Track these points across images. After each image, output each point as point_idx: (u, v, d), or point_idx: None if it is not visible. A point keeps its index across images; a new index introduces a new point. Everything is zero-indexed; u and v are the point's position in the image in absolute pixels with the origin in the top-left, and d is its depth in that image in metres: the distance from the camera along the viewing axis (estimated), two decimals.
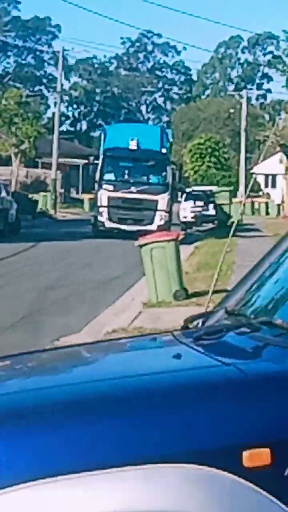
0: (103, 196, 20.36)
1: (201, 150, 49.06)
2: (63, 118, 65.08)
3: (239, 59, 79.56)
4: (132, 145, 20.76)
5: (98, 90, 77.32)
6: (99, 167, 20.99)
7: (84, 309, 9.41)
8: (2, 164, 39.92)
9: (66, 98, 68.15)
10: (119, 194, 20.17)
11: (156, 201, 20.05)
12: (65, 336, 7.58)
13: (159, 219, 19.96)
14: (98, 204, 20.60)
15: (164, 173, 20.83)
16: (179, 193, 31.98)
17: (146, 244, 9.59)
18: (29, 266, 13.99)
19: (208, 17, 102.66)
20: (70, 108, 76.69)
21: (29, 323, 8.45)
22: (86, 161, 37.05)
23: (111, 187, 20.38)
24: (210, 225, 24.03)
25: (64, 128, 63.25)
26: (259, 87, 77.47)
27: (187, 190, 32.30)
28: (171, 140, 24.30)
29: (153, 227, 18.84)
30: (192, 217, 28.40)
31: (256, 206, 43.08)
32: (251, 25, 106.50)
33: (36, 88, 69.62)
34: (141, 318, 8.43)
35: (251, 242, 19.92)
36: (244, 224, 29.25)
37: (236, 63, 79.55)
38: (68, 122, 74.88)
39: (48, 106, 66.71)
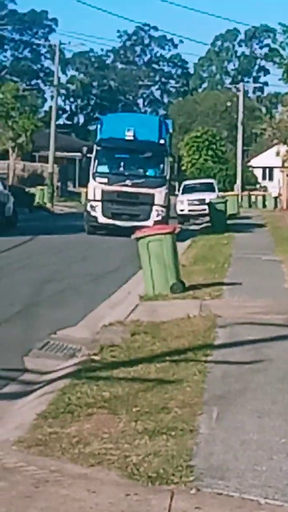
0: (97, 189, 19.03)
1: (198, 143, 49.01)
2: (60, 112, 64.97)
3: (236, 52, 79.44)
4: (129, 135, 19.50)
5: (95, 84, 77.17)
6: (92, 159, 19.74)
7: (80, 303, 9.44)
8: None
9: (63, 91, 67.99)
10: (113, 188, 18.83)
11: (153, 195, 18.80)
12: (62, 329, 7.62)
13: (155, 214, 18.74)
14: (91, 198, 19.29)
15: (161, 166, 19.49)
16: (176, 186, 31.88)
17: (143, 237, 9.62)
18: (26, 260, 14.01)
19: (205, 10, 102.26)
20: (67, 102, 76.56)
21: (26, 317, 8.48)
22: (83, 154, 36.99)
23: (105, 180, 18.99)
24: (207, 218, 23.94)
25: (61, 121, 63.12)
26: (256, 80, 77.34)
27: (185, 182, 32.28)
28: (171, 130, 23.00)
29: (150, 222, 17.76)
30: (189, 210, 28.41)
31: (253, 199, 43.10)
32: (248, 18, 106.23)
33: (33, 82, 69.38)
34: (138, 311, 8.47)
35: (247, 235, 19.98)
36: (241, 217, 29.32)
37: (233, 56, 79.42)
38: (65, 115, 74.68)
39: (45, 100, 66.62)
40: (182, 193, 29.82)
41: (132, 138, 19.47)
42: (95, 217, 18.96)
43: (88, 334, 7.34)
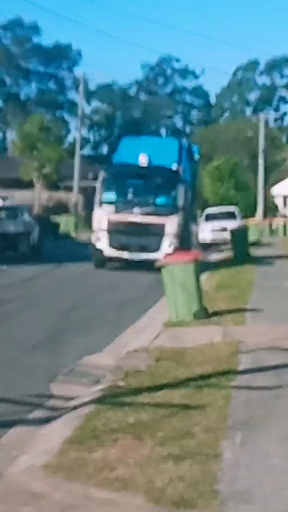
0: (103, 218, 17.34)
1: (220, 171, 49.26)
2: (84, 142, 65.76)
3: (256, 82, 79.99)
4: (142, 161, 17.93)
5: (118, 114, 78.12)
6: (98, 185, 18.06)
7: (105, 330, 9.52)
8: (25, 187, 40.44)
9: (87, 122, 68.93)
10: (120, 217, 17.14)
11: (163, 225, 17.04)
12: (87, 356, 7.70)
13: (167, 245, 16.89)
14: (96, 228, 17.56)
15: (173, 193, 17.59)
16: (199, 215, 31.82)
17: (166, 264, 9.72)
18: (52, 288, 14.16)
19: (226, 40, 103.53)
20: (91, 132, 77.52)
21: (52, 343, 8.58)
22: None
23: (111, 208, 17.32)
24: (229, 246, 23.97)
25: (85, 152, 63.84)
26: (276, 109, 77.77)
27: (207, 210, 32.36)
28: (197, 156, 21.52)
29: (160, 255, 15.82)
30: (211, 239, 28.44)
31: (274, 226, 43.03)
32: (269, 48, 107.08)
33: (58, 113, 70.50)
34: (162, 337, 8.52)
35: (269, 264, 19.90)
36: (263, 244, 29.26)
37: (254, 86, 79.96)
38: (89, 146, 75.58)
39: (70, 131, 67.55)
40: (205, 220, 29.91)
41: (145, 164, 18.00)
42: (101, 250, 17.36)
43: (113, 361, 7.40)
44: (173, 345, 7.80)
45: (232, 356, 7.08)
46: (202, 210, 33.50)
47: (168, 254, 15.93)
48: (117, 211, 17.31)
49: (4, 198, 28.72)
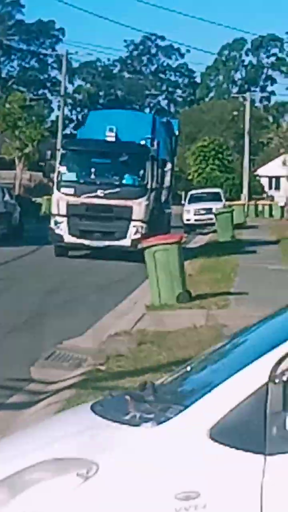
0: (61, 202, 15.47)
1: (204, 152, 49.10)
2: (66, 122, 65.20)
3: (243, 61, 79.61)
4: (110, 136, 16.17)
5: (101, 93, 77.46)
6: (56, 165, 16.10)
7: (86, 313, 9.42)
8: (5, 167, 40.01)
9: (69, 101, 68.29)
10: (81, 200, 15.29)
11: (130, 208, 15.17)
12: (68, 340, 7.60)
13: (134, 231, 15.15)
14: (55, 212, 15.74)
15: (141, 172, 15.56)
16: (183, 195, 31.72)
17: (149, 246, 9.61)
18: (32, 269, 14.01)
19: (212, 19, 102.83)
20: (74, 112, 76.85)
21: (32, 326, 8.47)
22: None
23: (71, 191, 15.40)
24: (214, 228, 23.93)
25: (68, 131, 63.29)
26: (263, 89, 77.54)
27: (191, 192, 32.30)
28: (176, 132, 19.48)
29: (127, 242, 15.00)
30: (195, 220, 28.41)
31: (260, 208, 43.08)
32: (255, 27, 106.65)
33: (40, 92, 69.73)
34: (144, 320, 8.44)
35: (254, 246, 19.92)
36: (248, 226, 29.29)
37: (240, 66, 79.59)
38: (72, 125, 74.96)
39: (52, 110, 66.90)
40: (189, 202, 29.85)
41: (112, 139, 16.22)
42: (61, 236, 15.54)
43: (95, 344, 7.32)
44: (156, 328, 7.73)
45: (215, 340, 7.01)
46: (186, 192, 33.43)
47: (134, 240, 14.70)
48: (77, 193, 15.41)
49: None
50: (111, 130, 16.22)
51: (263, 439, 2.15)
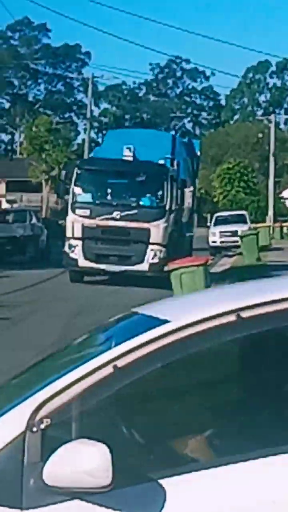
0: (76, 224, 14.80)
1: (230, 175, 49.20)
2: (93, 144, 65.88)
3: (267, 83, 79.93)
4: (127, 155, 15.51)
5: (127, 116, 78.27)
6: (71, 186, 15.40)
7: None
8: (33, 190, 40.51)
9: (96, 124, 69.11)
10: (97, 222, 14.65)
11: (148, 230, 14.50)
12: None
13: (151, 255, 14.45)
14: (69, 235, 15.01)
15: (160, 193, 14.90)
16: (208, 218, 31.66)
17: (175, 269, 9.66)
18: (59, 292, 14.11)
19: (236, 43, 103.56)
20: (100, 134, 77.70)
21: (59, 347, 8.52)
22: None
23: (86, 212, 14.74)
24: (239, 250, 23.91)
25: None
26: (287, 111, 77.66)
27: (217, 214, 32.36)
28: (198, 153, 18.83)
29: (144, 266, 14.36)
30: (221, 242, 28.41)
31: (285, 230, 42.87)
32: (279, 50, 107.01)
33: (66, 115, 70.71)
34: None
35: (279, 270, 19.75)
36: (273, 248, 29.17)
37: (265, 88, 79.89)
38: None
39: (78, 133, 67.74)
40: (214, 225, 29.91)
41: (129, 158, 15.54)
42: (75, 260, 14.82)
43: None
44: None
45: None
46: (212, 214, 33.44)
47: (152, 265, 14.14)
48: (92, 215, 14.74)
49: (12, 202, 28.79)
50: (128, 149, 15.56)
51: (20, 492, 1.96)
